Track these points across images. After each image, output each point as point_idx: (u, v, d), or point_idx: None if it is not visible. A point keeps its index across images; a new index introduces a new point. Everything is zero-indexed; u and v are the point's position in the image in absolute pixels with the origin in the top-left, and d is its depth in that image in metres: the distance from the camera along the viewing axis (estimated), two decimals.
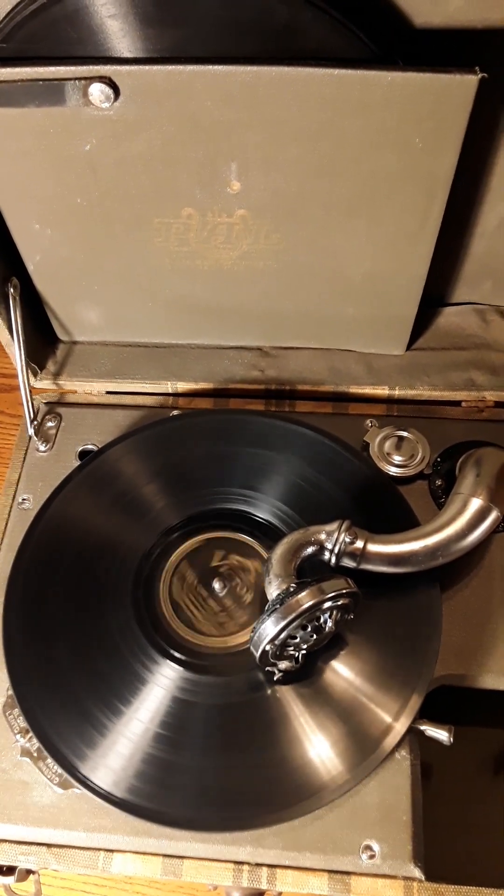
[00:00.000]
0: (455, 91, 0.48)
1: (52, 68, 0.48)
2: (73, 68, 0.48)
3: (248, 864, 0.50)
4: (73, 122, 0.52)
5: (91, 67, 0.48)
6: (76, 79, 0.49)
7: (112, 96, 0.49)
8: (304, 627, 0.50)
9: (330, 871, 0.50)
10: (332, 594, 0.49)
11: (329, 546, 0.54)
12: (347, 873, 0.49)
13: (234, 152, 0.53)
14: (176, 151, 0.53)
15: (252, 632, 0.50)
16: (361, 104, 0.49)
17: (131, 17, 0.48)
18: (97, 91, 0.49)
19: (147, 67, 0.48)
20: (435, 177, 0.54)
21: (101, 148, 0.53)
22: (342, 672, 0.53)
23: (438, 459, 0.64)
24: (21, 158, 0.54)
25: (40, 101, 0.50)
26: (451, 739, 0.51)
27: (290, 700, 0.53)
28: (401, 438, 0.65)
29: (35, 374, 0.70)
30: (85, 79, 0.49)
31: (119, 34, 0.49)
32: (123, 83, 0.49)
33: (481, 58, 0.48)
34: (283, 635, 0.49)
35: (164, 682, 0.54)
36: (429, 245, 0.60)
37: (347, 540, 0.53)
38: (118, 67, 0.48)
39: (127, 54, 0.50)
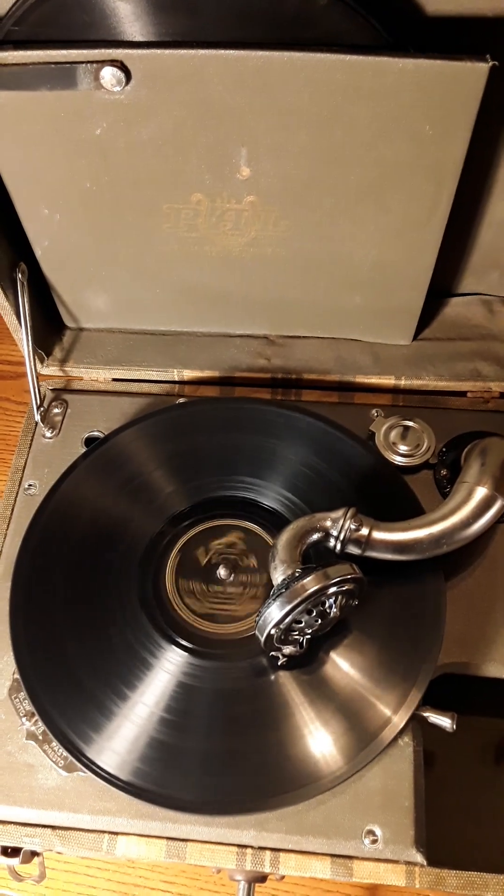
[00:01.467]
0: (466, 78, 0.48)
1: (64, 51, 0.48)
2: (84, 52, 0.48)
3: (252, 847, 0.50)
4: (84, 105, 0.51)
5: (103, 51, 0.48)
6: (88, 62, 0.49)
7: (123, 80, 0.49)
8: (308, 612, 0.50)
9: (332, 855, 0.50)
10: (338, 579, 0.49)
11: (334, 533, 0.54)
12: (350, 857, 0.50)
13: (245, 138, 0.53)
14: (186, 136, 0.53)
15: (257, 616, 0.50)
16: (372, 91, 0.49)
17: (143, 2, 0.48)
18: (109, 75, 0.49)
19: (159, 51, 0.48)
20: (444, 165, 0.54)
21: (111, 132, 0.53)
22: (346, 658, 0.54)
23: (444, 449, 0.64)
24: (31, 142, 0.54)
25: (52, 85, 0.50)
26: (454, 726, 0.51)
27: (295, 686, 0.53)
28: (406, 428, 0.65)
29: (42, 361, 0.70)
30: (96, 62, 0.49)
31: (131, 18, 0.49)
32: (135, 67, 0.49)
33: (492, 46, 0.48)
34: (287, 620, 0.49)
35: (169, 666, 0.54)
36: (437, 234, 0.60)
37: (352, 527, 0.53)
38: (130, 51, 0.48)
39: (139, 38, 0.50)
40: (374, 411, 0.67)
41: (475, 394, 0.69)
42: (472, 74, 0.48)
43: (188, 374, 0.71)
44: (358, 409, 0.68)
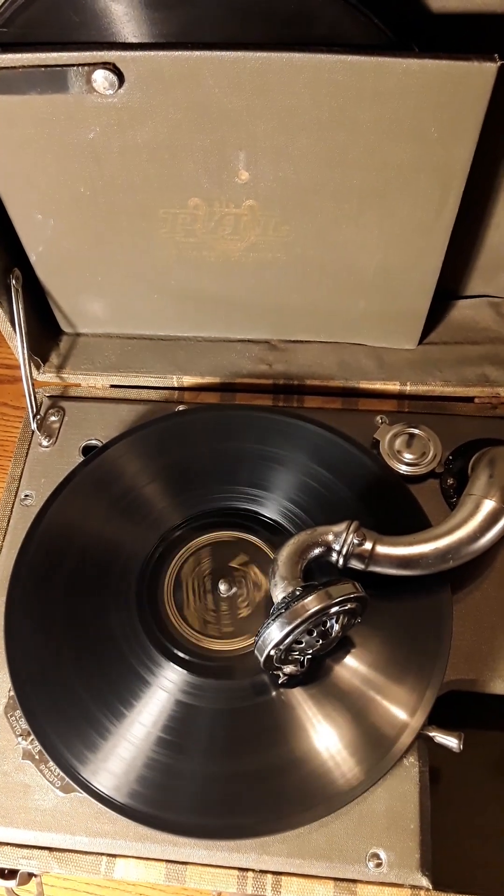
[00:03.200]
0: (473, 78, 0.47)
1: (55, 54, 0.47)
2: (75, 54, 0.47)
3: (253, 870, 0.49)
4: (77, 109, 0.50)
5: (94, 53, 0.47)
6: (79, 65, 0.47)
7: (116, 83, 0.48)
8: (309, 632, 0.49)
9: (336, 879, 0.49)
10: (340, 599, 0.48)
11: (336, 547, 0.52)
12: (353, 881, 0.49)
13: (243, 141, 0.52)
14: (182, 140, 0.52)
15: (257, 636, 0.49)
16: (375, 92, 0.48)
17: (136, 1, 0.47)
18: (101, 78, 0.48)
19: (152, 53, 0.47)
20: (451, 168, 0.52)
21: (105, 136, 0.52)
22: (349, 677, 0.52)
23: (450, 457, 0.63)
24: (23, 147, 0.53)
25: (42, 89, 0.49)
26: (461, 746, 0.50)
27: (296, 705, 0.52)
28: (412, 436, 0.63)
29: (38, 367, 0.69)
30: (88, 65, 0.47)
31: (124, 18, 0.47)
32: (128, 69, 0.48)
33: (501, 44, 0.47)
34: (288, 640, 0.48)
35: (167, 684, 0.53)
36: (443, 238, 0.58)
37: (356, 541, 0.52)
38: (122, 53, 0.47)
39: (132, 39, 0.48)
40: (378, 418, 0.66)
41: (483, 399, 0.68)
42: (480, 74, 0.46)
43: (188, 380, 0.69)
44: (362, 415, 0.67)
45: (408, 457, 0.62)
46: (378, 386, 0.68)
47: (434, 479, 0.62)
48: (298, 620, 0.47)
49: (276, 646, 0.48)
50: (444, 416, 0.66)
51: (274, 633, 0.48)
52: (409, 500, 0.59)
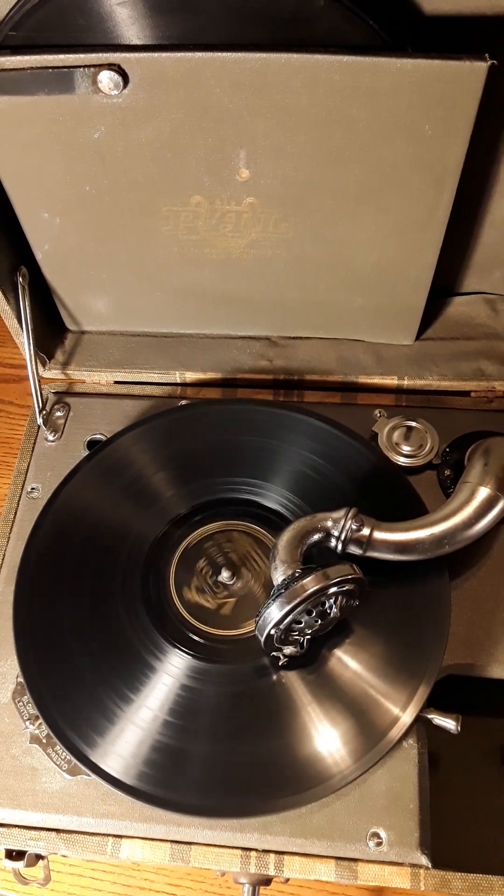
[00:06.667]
0: (465, 78, 0.48)
1: (62, 56, 0.48)
2: (82, 56, 0.48)
3: (256, 850, 0.50)
4: (82, 109, 0.52)
5: (100, 55, 0.48)
6: (85, 66, 0.49)
7: (121, 84, 0.49)
8: (308, 613, 0.50)
9: (337, 858, 0.50)
10: (338, 580, 0.49)
11: (335, 533, 0.53)
12: (354, 860, 0.50)
13: (243, 140, 0.53)
14: (185, 139, 0.53)
15: (257, 616, 0.50)
16: (371, 91, 0.49)
17: (140, 5, 0.48)
18: (106, 78, 0.49)
19: (156, 55, 0.48)
20: (445, 165, 0.54)
21: (109, 136, 0.53)
22: (349, 660, 0.53)
23: (447, 450, 0.64)
24: (30, 147, 0.55)
25: (49, 89, 0.50)
26: (459, 728, 0.51)
27: (299, 688, 0.53)
28: (409, 428, 0.64)
29: (44, 364, 0.71)
30: (94, 66, 0.49)
31: (128, 21, 0.49)
32: (132, 70, 0.49)
33: (491, 45, 0.48)
34: (287, 620, 0.49)
35: (172, 670, 0.54)
36: (438, 234, 0.59)
37: (354, 527, 0.53)
38: (127, 55, 0.48)
39: (136, 42, 0.50)
40: (376, 412, 0.67)
41: (479, 393, 0.69)
42: (472, 74, 0.48)
43: (190, 376, 0.71)
44: (361, 409, 0.68)
45: (406, 449, 0.63)
46: (376, 380, 0.69)
47: (431, 470, 0.64)
48: (297, 600, 0.48)
49: (276, 625, 0.49)
50: (441, 409, 0.67)
51: (274, 612, 0.49)
52: (407, 490, 0.61)
